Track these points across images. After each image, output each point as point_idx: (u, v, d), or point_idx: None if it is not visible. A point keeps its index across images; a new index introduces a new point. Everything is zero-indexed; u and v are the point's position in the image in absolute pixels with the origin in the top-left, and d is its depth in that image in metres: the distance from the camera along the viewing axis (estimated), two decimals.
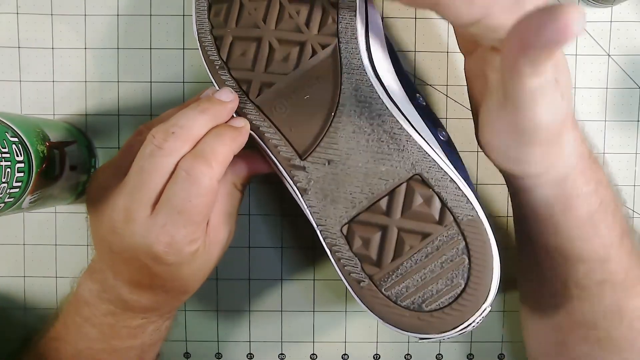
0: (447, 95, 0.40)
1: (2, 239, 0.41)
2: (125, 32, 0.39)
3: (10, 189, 0.29)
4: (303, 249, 0.41)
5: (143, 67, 0.40)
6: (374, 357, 0.42)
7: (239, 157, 0.30)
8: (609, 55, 0.39)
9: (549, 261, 0.30)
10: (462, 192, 0.28)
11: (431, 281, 0.28)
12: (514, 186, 0.30)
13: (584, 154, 0.28)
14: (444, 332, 0.27)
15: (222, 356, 0.42)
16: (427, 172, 0.28)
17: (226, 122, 0.30)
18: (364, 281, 0.28)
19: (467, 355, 0.42)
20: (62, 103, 0.40)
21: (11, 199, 0.30)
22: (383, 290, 0.28)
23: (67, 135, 0.36)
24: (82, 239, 0.41)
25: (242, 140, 0.30)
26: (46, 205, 0.36)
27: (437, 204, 0.28)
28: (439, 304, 0.27)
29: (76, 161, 0.36)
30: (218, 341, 0.42)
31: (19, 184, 0.30)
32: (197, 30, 0.32)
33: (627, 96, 0.40)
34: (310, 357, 0.42)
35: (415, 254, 0.28)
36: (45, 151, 0.32)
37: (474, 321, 0.27)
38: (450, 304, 0.27)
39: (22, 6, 0.39)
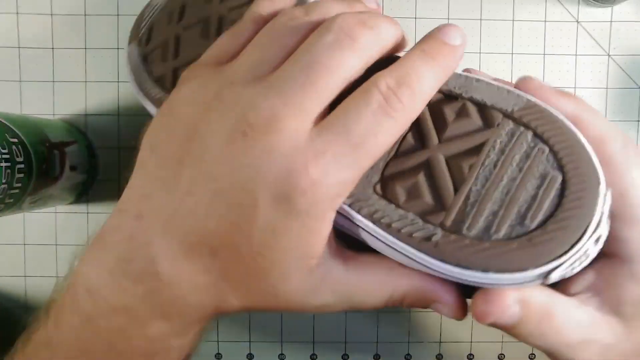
0: None
1: (2, 239, 0.41)
2: (125, 32, 0.39)
3: (10, 189, 0.29)
4: None
5: None
6: (374, 357, 0.42)
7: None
8: (609, 56, 0.39)
9: None
10: (495, 85, 0.23)
11: (518, 191, 0.21)
12: None
13: None
14: (567, 251, 0.20)
15: (222, 356, 0.42)
16: (445, 85, 0.23)
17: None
18: (435, 234, 0.21)
19: (467, 356, 0.42)
20: (62, 103, 0.40)
21: (11, 200, 0.30)
22: (465, 231, 0.21)
23: (67, 136, 0.36)
24: (82, 239, 0.40)
25: (455, 65, 0.22)
26: (46, 206, 0.36)
27: (473, 109, 0.22)
28: (544, 214, 0.20)
29: (76, 161, 0.36)
30: (218, 341, 0.42)
31: (19, 184, 0.30)
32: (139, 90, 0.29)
33: (627, 96, 0.40)
34: (310, 357, 0.42)
35: (480, 170, 0.21)
36: (45, 152, 0.32)
37: (601, 214, 0.20)
38: (559, 204, 0.20)
39: (22, 6, 0.39)
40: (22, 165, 0.30)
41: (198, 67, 0.23)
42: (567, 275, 0.21)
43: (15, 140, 0.30)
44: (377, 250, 0.23)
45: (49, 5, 0.39)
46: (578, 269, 0.21)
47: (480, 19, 0.39)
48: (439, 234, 0.21)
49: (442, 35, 0.21)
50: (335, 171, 0.19)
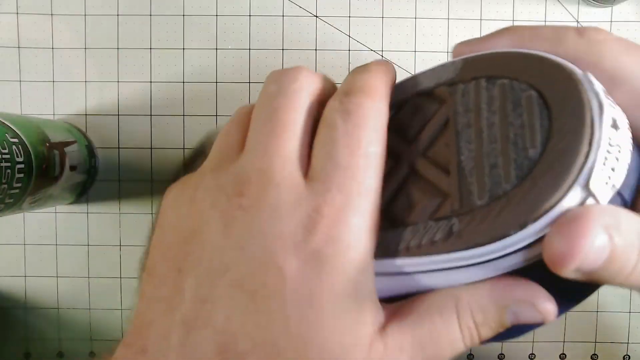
0: None
1: (2, 239, 0.41)
2: (125, 32, 0.39)
3: (10, 189, 0.29)
4: None
5: (143, 67, 0.40)
6: None
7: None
8: None
9: None
10: (432, 68, 0.21)
11: (503, 129, 0.18)
12: None
13: None
14: (588, 151, 0.16)
15: None
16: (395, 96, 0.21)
17: None
18: (453, 224, 0.18)
19: (468, 356, 0.42)
20: (62, 103, 0.40)
21: (11, 200, 0.30)
22: (478, 201, 0.18)
23: (67, 136, 0.37)
24: (82, 239, 0.41)
25: (393, 72, 0.21)
26: (46, 206, 0.36)
27: (423, 99, 0.21)
28: (541, 134, 0.18)
29: (76, 161, 0.36)
30: None
31: (19, 184, 0.30)
32: None
33: None
34: None
35: (458, 141, 0.19)
36: (45, 152, 0.32)
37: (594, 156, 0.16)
38: (550, 117, 0.18)
39: (22, 6, 0.39)
40: (22, 165, 0.30)
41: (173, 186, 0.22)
42: (616, 178, 0.17)
43: (15, 140, 0.30)
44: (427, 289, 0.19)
45: (49, 5, 0.39)
46: (620, 165, 0.17)
47: (480, 19, 0.39)
48: (456, 222, 0.18)
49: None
50: (347, 205, 0.17)
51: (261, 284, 0.16)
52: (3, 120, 0.30)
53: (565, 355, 0.42)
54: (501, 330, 0.18)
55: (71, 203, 0.39)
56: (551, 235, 0.16)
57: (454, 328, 0.18)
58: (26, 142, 0.31)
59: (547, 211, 0.16)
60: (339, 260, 0.16)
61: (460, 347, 0.18)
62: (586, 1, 0.39)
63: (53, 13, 0.39)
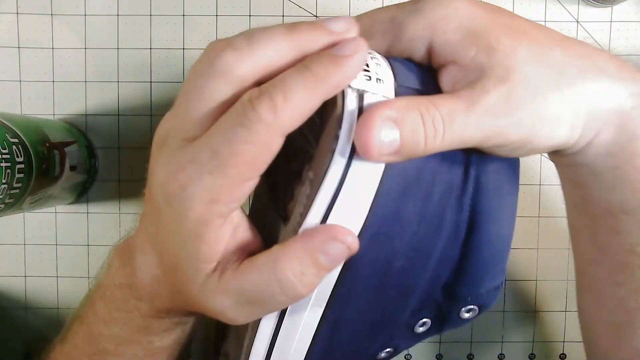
0: None
1: (2, 239, 0.41)
2: (125, 32, 0.39)
3: (10, 189, 0.29)
4: None
5: (143, 67, 0.40)
6: None
7: None
8: None
9: (616, 225, 0.26)
10: None
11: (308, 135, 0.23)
12: (568, 153, 0.25)
13: (637, 90, 0.24)
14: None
15: None
16: None
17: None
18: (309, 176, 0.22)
19: (468, 356, 0.42)
20: (62, 103, 0.40)
21: (11, 200, 0.30)
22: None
23: (66, 136, 0.37)
24: (82, 239, 0.41)
25: (338, 82, 0.21)
26: (46, 206, 0.36)
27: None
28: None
29: (76, 161, 0.36)
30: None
31: (19, 184, 0.30)
32: None
33: None
34: None
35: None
36: (45, 152, 0.32)
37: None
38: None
39: (22, 6, 0.39)
40: (22, 165, 0.30)
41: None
42: (382, 73, 0.22)
43: (16, 140, 0.30)
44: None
45: (49, 5, 0.39)
46: (383, 69, 0.22)
47: None
48: (310, 174, 0.22)
49: (333, 50, 0.21)
50: (198, 177, 0.21)
51: (157, 210, 0.23)
52: (3, 120, 0.30)
53: (565, 356, 0.42)
54: (326, 272, 0.22)
55: (71, 203, 0.39)
56: (356, 137, 0.20)
57: (271, 282, 0.22)
58: (26, 142, 0.31)
59: (340, 121, 0.20)
60: (183, 209, 0.21)
61: (282, 299, 0.22)
62: (586, 1, 0.39)
63: (53, 13, 0.39)
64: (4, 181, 0.28)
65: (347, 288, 0.24)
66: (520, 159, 0.25)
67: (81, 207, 0.40)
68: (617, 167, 0.24)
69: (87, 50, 0.40)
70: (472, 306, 0.27)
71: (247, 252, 0.23)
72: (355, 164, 0.21)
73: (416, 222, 0.23)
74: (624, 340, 0.28)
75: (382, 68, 0.22)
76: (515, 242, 0.37)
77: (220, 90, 0.21)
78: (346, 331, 0.26)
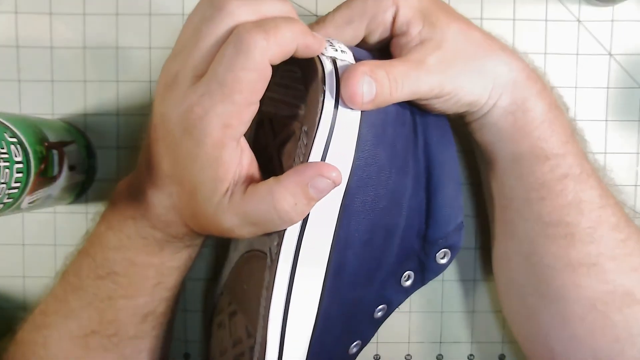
0: None
1: (2, 239, 0.40)
2: (124, 32, 0.39)
3: (8, 189, 0.29)
4: None
5: (143, 67, 0.39)
6: (374, 358, 0.42)
7: None
8: (610, 55, 0.39)
9: (517, 168, 0.32)
10: None
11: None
12: (474, 117, 0.32)
13: (525, 67, 0.32)
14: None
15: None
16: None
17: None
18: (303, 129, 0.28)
19: (468, 356, 0.42)
20: (61, 103, 0.40)
21: (10, 200, 0.29)
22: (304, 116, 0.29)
23: (65, 135, 0.36)
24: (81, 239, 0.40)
25: (313, 45, 0.26)
26: (45, 206, 0.36)
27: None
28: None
29: (75, 161, 0.36)
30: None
31: (18, 184, 0.29)
32: None
33: (629, 96, 0.39)
34: None
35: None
36: (43, 151, 0.32)
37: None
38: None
39: (21, 5, 0.39)
40: (20, 165, 0.30)
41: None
42: (343, 49, 0.28)
43: (14, 139, 0.30)
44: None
45: (49, 5, 0.39)
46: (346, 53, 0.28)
47: (481, 18, 0.39)
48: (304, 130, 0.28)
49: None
50: (211, 106, 0.25)
51: (174, 143, 0.27)
52: (2, 120, 0.30)
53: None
54: (315, 202, 0.27)
55: (70, 203, 0.39)
56: (343, 88, 0.27)
57: (270, 210, 0.26)
58: (25, 142, 0.31)
59: (324, 79, 0.27)
60: (201, 135, 0.25)
61: (279, 223, 0.27)
62: (587, 0, 0.39)
63: (52, 12, 0.39)
64: (2, 181, 0.28)
65: (345, 230, 0.29)
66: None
67: (80, 207, 0.40)
68: (515, 122, 0.31)
69: (86, 49, 0.39)
70: (444, 249, 0.33)
71: (250, 177, 0.27)
72: (340, 110, 0.27)
73: (388, 166, 0.29)
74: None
75: (344, 47, 0.29)
76: None
77: (225, 28, 0.25)
78: (347, 280, 0.30)
